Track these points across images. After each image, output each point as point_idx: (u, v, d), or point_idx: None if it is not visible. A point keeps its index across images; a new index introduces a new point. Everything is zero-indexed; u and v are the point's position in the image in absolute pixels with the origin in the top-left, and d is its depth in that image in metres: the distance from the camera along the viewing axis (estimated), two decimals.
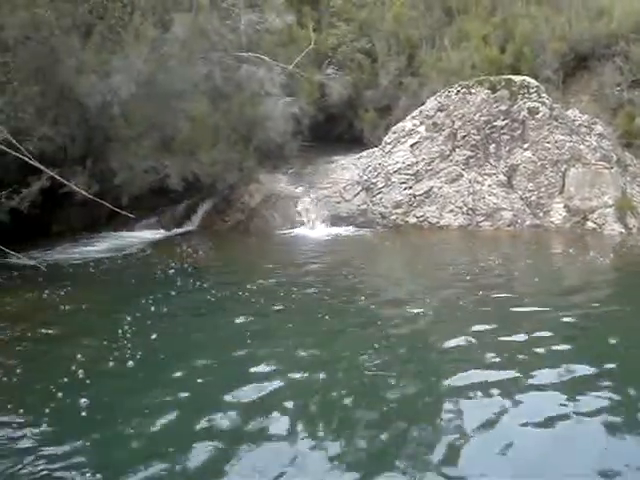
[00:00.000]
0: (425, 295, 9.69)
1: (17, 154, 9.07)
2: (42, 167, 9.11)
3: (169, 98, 14.91)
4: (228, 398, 6.19)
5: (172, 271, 11.38)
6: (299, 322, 8.73)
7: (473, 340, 7.48)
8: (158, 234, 15.52)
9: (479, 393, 6.12)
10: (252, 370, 6.83)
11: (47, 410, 5.92)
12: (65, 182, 9.48)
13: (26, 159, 8.90)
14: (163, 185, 15.08)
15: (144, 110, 14.68)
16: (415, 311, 8.77)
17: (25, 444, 5.43)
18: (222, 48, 16.45)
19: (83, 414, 5.85)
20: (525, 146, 15.54)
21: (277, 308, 9.21)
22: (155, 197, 15.68)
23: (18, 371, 6.87)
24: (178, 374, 6.81)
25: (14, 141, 9.22)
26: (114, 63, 14.58)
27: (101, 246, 14.23)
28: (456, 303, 9.09)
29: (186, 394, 6.31)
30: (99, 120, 14.49)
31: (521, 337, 7.52)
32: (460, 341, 7.46)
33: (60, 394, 6.21)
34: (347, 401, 6.12)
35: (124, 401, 6.24)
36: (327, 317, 8.66)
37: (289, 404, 6.05)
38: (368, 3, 21.52)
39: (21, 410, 5.97)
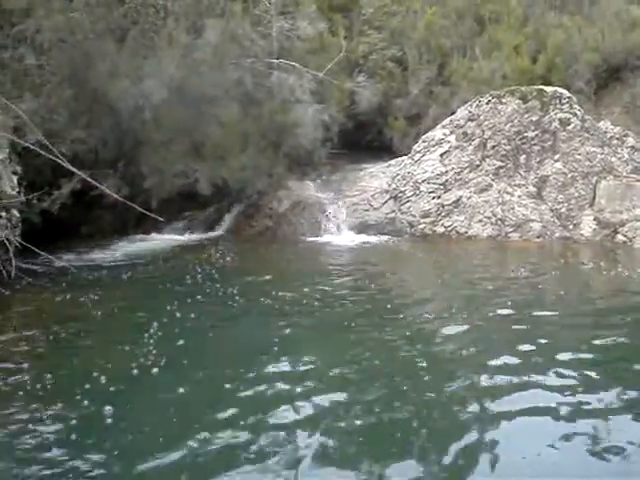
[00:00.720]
0: (455, 308, 9.49)
1: (50, 156, 9.21)
2: (75, 170, 9.22)
3: (200, 103, 15.01)
4: (255, 407, 6.11)
5: (200, 276, 11.40)
6: (326, 331, 8.69)
7: (512, 358, 7.29)
8: (186, 238, 15.59)
9: (527, 416, 5.91)
10: (278, 378, 6.78)
11: (73, 421, 5.89)
12: (97, 184, 9.58)
13: (59, 161, 9.03)
14: (192, 190, 15.17)
15: (175, 115, 14.79)
16: (446, 326, 8.62)
17: (50, 453, 5.41)
18: (253, 54, 16.54)
19: (108, 422, 5.82)
20: (556, 157, 15.43)
21: (305, 316, 9.16)
22: (184, 201, 15.79)
23: (48, 376, 6.87)
24: (203, 382, 6.78)
25: (48, 143, 9.36)
26: (147, 68, 14.74)
27: (130, 249, 14.32)
28: (486, 316, 8.99)
29: (211, 403, 6.26)
30: (131, 124, 14.61)
31: (555, 356, 7.35)
32: (498, 358, 7.25)
33: (85, 402, 6.19)
34: (381, 417, 6.00)
35: (147, 410, 6.21)
36: (355, 326, 8.60)
37: (318, 418, 5.97)
38: (400, 11, 21.52)
39: (48, 419, 5.96)
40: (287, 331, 8.46)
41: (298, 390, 6.51)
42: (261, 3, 17.90)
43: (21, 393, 6.60)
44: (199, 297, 10.01)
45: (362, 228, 15.96)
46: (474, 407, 6.11)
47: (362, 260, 13.61)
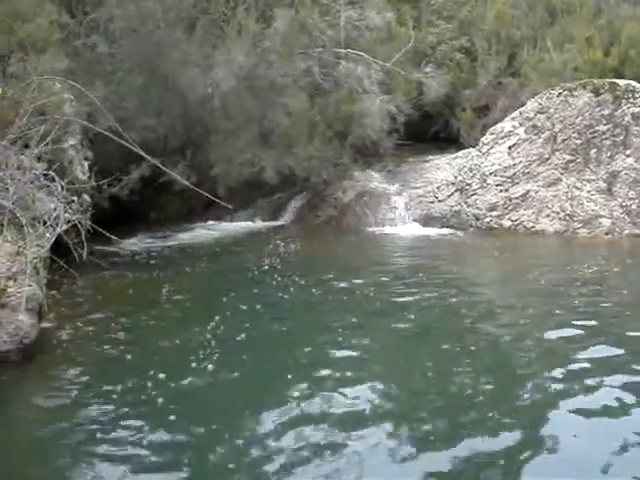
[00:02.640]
0: (523, 306, 9.32)
1: (123, 142, 9.37)
2: (147, 156, 9.39)
3: (268, 92, 15.11)
4: (316, 406, 6.07)
5: (266, 267, 11.37)
6: (392, 325, 8.60)
7: (583, 368, 7.00)
8: (251, 226, 15.71)
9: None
10: (343, 377, 6.70)
11: (144, 422, 5.86)
12: (168, 171, 9.72)
13: (132, 148, 9.17)
14: (258, 178, 15.27)
15: (243, 103, 14.93)
16: (513, 326, 8.52)
17: (108, 448, 5.46)
18: (321, 44, 16.52)
19: (171, 418, 5.80)
20: (627, 152, 15.04)
21: (372, 310, 9.11)
22: (249, 189, 15.88)
23: (105, 369, 7.06)
24: (264, 378, 6.73)
25: (120, 129, 9.52)
26: (216, 57, 14.89)
27: (196, 236, 14.51)
28: (557, 319, 8.73)
29: (267, 403, 6.17)
30: (199, 112, 14.81)
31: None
32: (566, 367, 7.01)
33: (143, 396, 6.23)
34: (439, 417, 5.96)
35: (203, 406, 6.18)
36: (418, 321, 8.55)
37: (379, 414, 5.93)
38: (469, 1, 21.20)
39: (104, 415, 6.02)
40: (354, 324, 8.39)
41: (363, 390, 6.40)
42: None
43: (77, 382, 6.77)
44: (264, 288, 10.03)
45: (427, 220, 15.84)
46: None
47: (427, 252, 13.52)
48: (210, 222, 15.63)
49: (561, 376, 6.71)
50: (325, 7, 17.37)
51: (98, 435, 5.62)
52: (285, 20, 15.66)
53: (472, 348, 7.57)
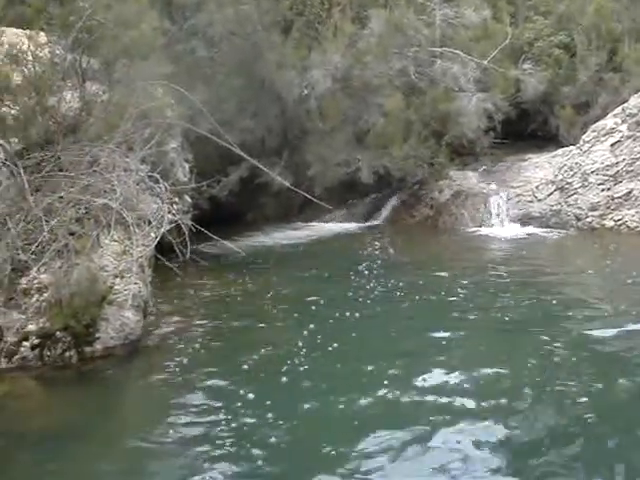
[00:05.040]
0: (627, 315, 8.72)
1: (224, 144, 9.54)
2: (248, 157, 9.51)
3: (364, 93, 15.14)
4: (407, 416, 5.87)
5: (366, 272, 11.17)
6: (492, 334, 8.38)
7: None
8: (347, 227, 15.76)
9: None
10: (435, 387, 6.42)
11: (228, 436, 5.69)
12: (268, 171, 9.82)
13: (232, 149, 9.34)
14: (353, 178, 15.32)
15: (339, 104, 15.02)
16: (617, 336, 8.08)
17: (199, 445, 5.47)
18: (417, 43, 16.46)
19: (271, 441, 5.52)
20: None
21: (472, 318, 8.78)
22: (345, 190, 15.96)
23: (207, 371, 7.03)
24: (352, 394, 6.33)
25: (222, 131, 9.69)
26: (312, 58, 15.02)
27: (293, 236, 14.64)
28: None
29: (360, 417, 5.96)
30: (296, 113, 15.03)
31: None
32: None
33: (242, 410, 6.08)
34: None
35: (299, 424, 5.95)
36: (525, 329, 8.25)
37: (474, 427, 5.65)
38: None
39: (199, 415, 6.05)
40: (450, 333, 8.06)
41: (463, 405, 6.07)
42: None
43: (177, 380, 6.86)
44: (360, 294, 9.78)
45: (525, 220, 15.53)
46: None
47: (527, 254, 13.12)
48: (305, 223, 15.75)
49: None
50: (420, 6, 17.29)
51: (191, 433, 5.70)
52: (380, 20, 15.71)
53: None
